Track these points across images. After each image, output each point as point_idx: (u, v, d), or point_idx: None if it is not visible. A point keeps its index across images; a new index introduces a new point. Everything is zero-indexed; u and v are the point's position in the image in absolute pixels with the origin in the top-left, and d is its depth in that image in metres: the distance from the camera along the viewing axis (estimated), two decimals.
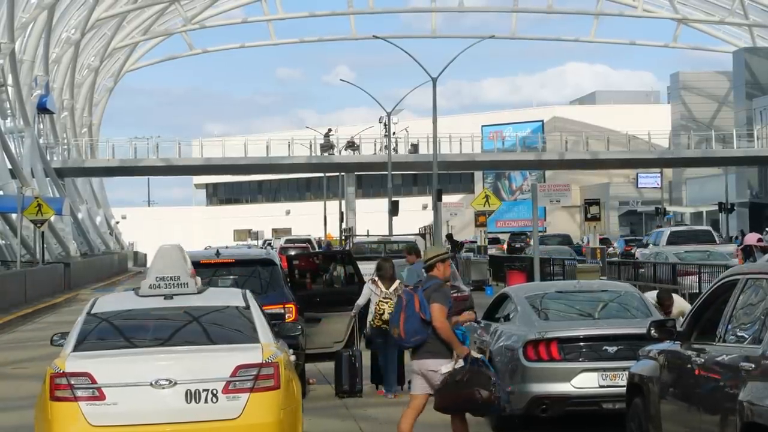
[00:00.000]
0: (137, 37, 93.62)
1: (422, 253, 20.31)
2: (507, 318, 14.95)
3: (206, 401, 10.22)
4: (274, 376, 10.40)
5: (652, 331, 10.27)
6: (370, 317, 17.90)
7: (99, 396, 10.18)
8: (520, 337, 13.85)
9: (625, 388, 12.68)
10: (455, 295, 24.20)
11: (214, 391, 10.22)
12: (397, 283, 17.87)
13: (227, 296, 11.82)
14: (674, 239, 47.02)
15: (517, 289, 15.87)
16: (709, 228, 57.26)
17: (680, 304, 16.77)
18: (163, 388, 10.22)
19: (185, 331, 11.07)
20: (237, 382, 10.28)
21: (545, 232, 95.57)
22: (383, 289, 17.71)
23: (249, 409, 10.23)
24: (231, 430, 10.23)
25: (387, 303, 17.43)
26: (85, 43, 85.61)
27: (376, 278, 17.91)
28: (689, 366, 9.65)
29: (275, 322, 12.31)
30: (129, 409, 10.17)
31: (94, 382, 10.20)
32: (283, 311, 17.21)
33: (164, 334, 11.02)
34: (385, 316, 17.20)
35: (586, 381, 13.39)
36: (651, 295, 16.70)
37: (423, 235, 50.62)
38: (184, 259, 11.60)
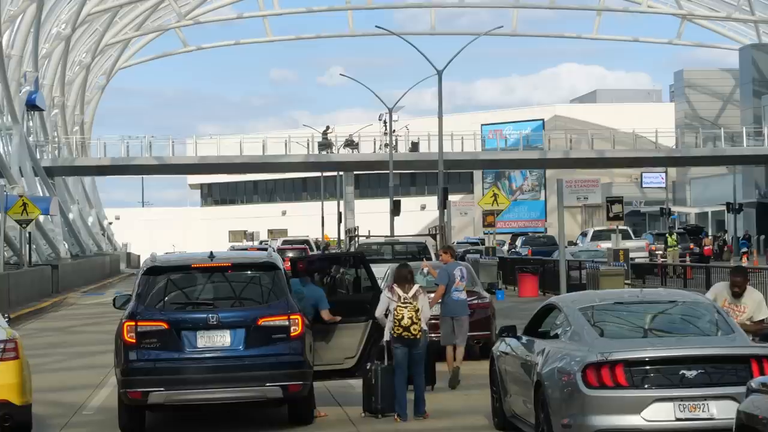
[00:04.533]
0: (130, 33, 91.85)
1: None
2: (556, 334, 12.62)
3: None
4: (16, 350, 13.69)
5: None
6: (389, 326, 16.02)
7: None
8: (577, 359, 11.54)
9: (707, 422, 10.89)
10: (475, 302, 21.98)
11: None
12: (416, 287, 16.29)
13: None
14: (597, 237, 59.02)
15: (568, 299, 13.39)
16: (627, 227, 63.79)
17: (753, 294, 14.23)
18: None
19: None
20: None
21: (546, 233, 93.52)
22: (402, 294, 16.12)
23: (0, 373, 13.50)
24: None
25: (406, 308, 15.98)
26: (76, 39, 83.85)
27: (394, 285, 16.27)
28: None
29: None
30: None
31: None
32: (287, 323, 14.90)
33: None
34: (405, 321, 15.92)
35: (659, 413, 11.16)
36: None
37: (434, 236, 48.49)
38: None
